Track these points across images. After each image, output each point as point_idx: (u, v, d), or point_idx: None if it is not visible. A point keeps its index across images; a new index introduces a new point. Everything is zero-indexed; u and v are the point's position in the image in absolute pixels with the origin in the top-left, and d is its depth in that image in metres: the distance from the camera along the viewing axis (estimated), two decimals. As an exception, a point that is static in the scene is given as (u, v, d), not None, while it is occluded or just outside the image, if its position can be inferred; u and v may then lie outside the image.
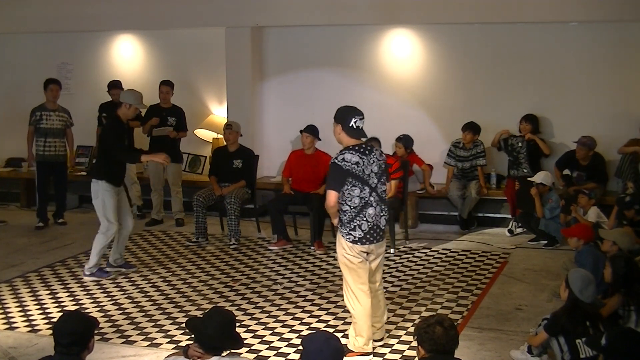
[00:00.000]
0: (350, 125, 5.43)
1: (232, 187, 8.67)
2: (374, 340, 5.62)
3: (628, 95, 9.01)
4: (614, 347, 4.03)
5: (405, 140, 8.89)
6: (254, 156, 9.09)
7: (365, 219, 5.39)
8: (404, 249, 8.27)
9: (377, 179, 5.45)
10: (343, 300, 6.63)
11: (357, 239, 5.41)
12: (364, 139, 5.54)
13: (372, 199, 5.41)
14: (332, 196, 5.38)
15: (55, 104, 9.49)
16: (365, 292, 5.47)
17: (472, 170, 9.19)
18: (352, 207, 5.38)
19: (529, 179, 8.47)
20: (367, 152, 5.44)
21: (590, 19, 8.83)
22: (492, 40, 9.38)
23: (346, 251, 5.47)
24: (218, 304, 6.55)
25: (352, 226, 5.40)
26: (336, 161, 5.40)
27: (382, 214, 5.47)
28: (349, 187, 5.37)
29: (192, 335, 4.11)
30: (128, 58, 10.85)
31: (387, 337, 5.85)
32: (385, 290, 6.87)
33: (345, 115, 5.46)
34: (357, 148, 5.43)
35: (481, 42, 9.43)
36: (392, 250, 8.20)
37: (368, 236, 5.42)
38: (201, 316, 4.15)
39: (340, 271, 7.15)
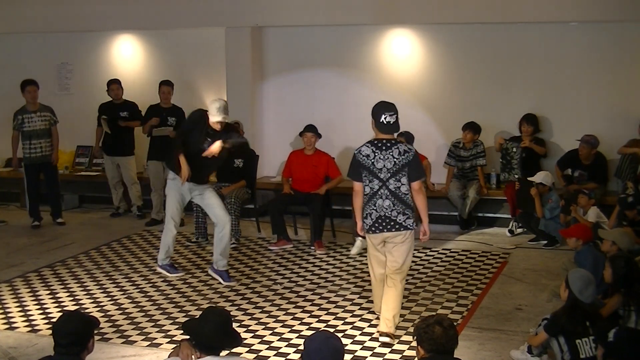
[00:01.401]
0: (381, 120, 5.69)
1: (232, 187, 8.66)
2: (382, 334, 5.76)
3: (628, 95, 9.01)
4: (620, 346, 4.03)
5: (407, 137, 8.82)
6: (255, 156, 9.09)
7: (374, 208, 5.67)
8: (404, 249, 8.27)
9: (391, 174, 5.62)
10: (343, 300, 6.68)
11: (367, 226, 5.73)
12: (395, 134, 5.80)
13: (381, 191, 5.64)
14: (354, 185, 5.77)
15: (36, 104, 9.40)
16: (372, 270, 5.93)
17: (472, 171, 9.19)
18: (364, 194, 5.72)
19: (529, 178, 8.46)
20: (383, 148, 5.66)
21: (590, 19, 8.83)
22: (492, 40, 9.38)
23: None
24: (218, 304, 6.55)
25: (365, 214, 5.74)
26: (355, 152, 5.75)
27: (394, 208, 5.64)
28: (363, 177, 5.68)
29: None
30: (128, 58, 10.85)
31: (387, 337, 5.86)
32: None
33: (377, 110, 5.75)
34: (375, 142, 5.70)
35: (481, 42, 9.43)
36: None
37: (377, 224, 5.68)
38: (197, 318, 4.12)
39: (340, 271, 7.17)
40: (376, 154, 5.64)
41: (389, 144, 5.67)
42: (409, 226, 5.68)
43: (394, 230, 5.66)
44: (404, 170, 5.65)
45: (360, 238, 8.28)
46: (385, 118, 5.69)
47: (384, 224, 5.66)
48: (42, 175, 9.60)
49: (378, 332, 5.81)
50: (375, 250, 5.81)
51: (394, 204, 5.63)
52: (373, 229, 5.69)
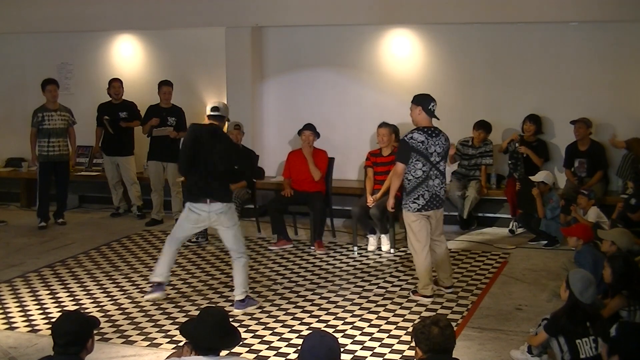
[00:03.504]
0: (429, 108, 6.51)
1: (232, 187, 8.64)
2: (445, 287, 6.80)
3: (629, 94, 9.01)
4: (623, 341, 4.03)
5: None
6: (256, 156, 9.09)
7: (427, 189, 6.49)
8: (404, 249, 8.26)
9: (440, 157, 6.53)
10: (343, 300, 6.68)
11: (420, 206, 6.52)
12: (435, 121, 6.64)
13: (432, 172, 6.50)
14: (399, 167, 6.53)
15: (56, 103, 9.49)
16: (421, 247, 6.57)
17: (474, 170, 9.18)
18: (415, 178, 6.47)
19: (530, 177, 8.46)
20: (433, 135, 6.51)
21: (590, 19, 8.83)
22: (492, 40, 9.38)
23: (409, 218, 6.58)
24: (218, 304, 6.55)
25: (416, 195, 6.50)
26: (405, 138, 6.50)
27: (441, 186, 6.58)
28: (413, 161, 6.45)
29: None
30: (128, 58, 10.85)
31: (387, 337, 5.87)
32: (385, 290, 6.96)
33: (425, 99, 6.55)
34: (425, 130, 6.50)
35: (481, 42, 9.43)
36: (392, 250, 8.22)
37: (429, 204, 6.54)
38: (193, 320, 4.09)
39: (340, 271, 7.17)
40: (429, 140, 6.44)
41: (436, 132, 6.53)
42: (444, 198, 6.75)
43: (440, 207, 6.67)
44: (447, 153, 6.67)
45: (373, 235, 8.29)
46: (432, 106, 6.52)
47: (434, 202, 6.56)
48: (53, 175, 9.60)
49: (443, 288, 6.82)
50: (425, 223, 6.56)
51: (441, 182, 6.57)
52: (426, 207, 6.53)
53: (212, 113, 6.65)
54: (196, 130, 6.57)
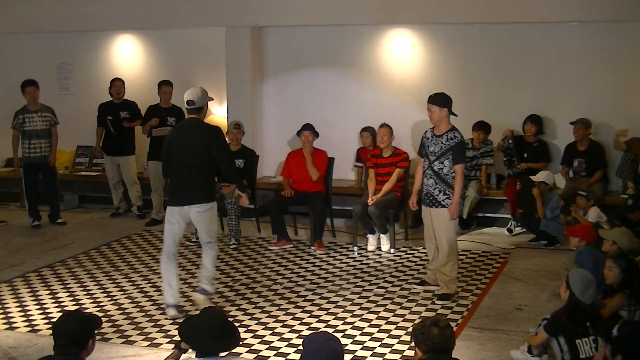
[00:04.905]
0: (452, 110, 6.63)
1: (232, 187, 8.65)
2: (436, 286, 6.83)
3: (630, 94, 9.00)
4: (626, 341, 4.03)
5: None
6: (255, 156, 9.09)
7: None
8: (403, 249, 8.27)
9: None
10: (343, 300, 6.67)
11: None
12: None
13: None
14: (462, 168, 6.66)
15: (37, 104, 9.42)
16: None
17: (474, 170, 9.17)
18: (459, 175, 6.63)
19: (531, 177, 8.46)
20: None
21: (590, 19, 8.82)
22: (492, 40, 9.38)
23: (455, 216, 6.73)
24: (218, 304, 6.55)
25: (464, 193, 6.70)
26: (464, 139, 6.71)
27: None
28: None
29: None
30: (128, 58, 10.85)
31: (387, 337, 5.87)
32: (385, 290, 6.96)
33: (450, 101, 6.62)
34: None
35: (481, 42, 9.43)
36: (392, 250, 8.21)
37: None
38: (191, 320, 4.08)
39: (340, 271, 7.12)
40: None
41: None
42: None
43: None
44: None
45: (372, 235, 8.28)
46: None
47: None
48: (40, 176, 9.60)
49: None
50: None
51: None
52: None
53: (187, 107, 6.37)
54: (168, 136, 6.53)
